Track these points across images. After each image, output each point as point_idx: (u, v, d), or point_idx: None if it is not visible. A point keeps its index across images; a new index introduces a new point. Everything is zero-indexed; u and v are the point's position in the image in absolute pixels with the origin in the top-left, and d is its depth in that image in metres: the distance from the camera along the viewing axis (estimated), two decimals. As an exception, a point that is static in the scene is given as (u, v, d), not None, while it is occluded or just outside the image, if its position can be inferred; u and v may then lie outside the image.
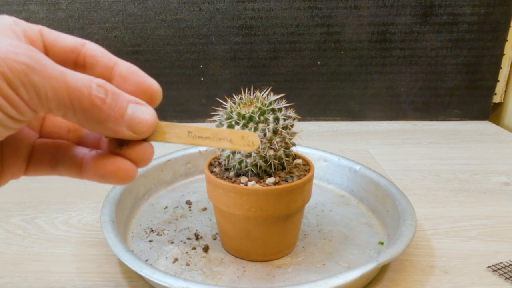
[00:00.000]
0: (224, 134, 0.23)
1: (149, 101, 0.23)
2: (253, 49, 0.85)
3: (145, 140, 0.23)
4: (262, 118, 0.39)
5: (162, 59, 0.86)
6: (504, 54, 0.85)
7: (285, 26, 0.83)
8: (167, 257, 0.43)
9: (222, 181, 0.39)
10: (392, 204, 0.47)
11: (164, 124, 0.23)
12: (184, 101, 0.89)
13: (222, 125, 0.41)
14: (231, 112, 0.40)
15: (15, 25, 0.21)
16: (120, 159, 0.23)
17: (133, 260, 0.36)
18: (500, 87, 0.89)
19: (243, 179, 0.40)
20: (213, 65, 0.87)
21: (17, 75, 0.18)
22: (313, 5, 0.82)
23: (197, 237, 0.46)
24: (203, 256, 0.43)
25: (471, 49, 0.85)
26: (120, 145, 0.23)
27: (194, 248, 0.44)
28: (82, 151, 0.25)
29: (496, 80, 0.88)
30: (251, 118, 0.39)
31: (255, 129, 0.39)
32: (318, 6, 0.82)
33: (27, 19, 0.82)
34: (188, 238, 0.46)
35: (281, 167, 0.42)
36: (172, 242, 0.45)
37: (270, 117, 0.39)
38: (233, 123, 0.40)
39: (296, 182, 0.39)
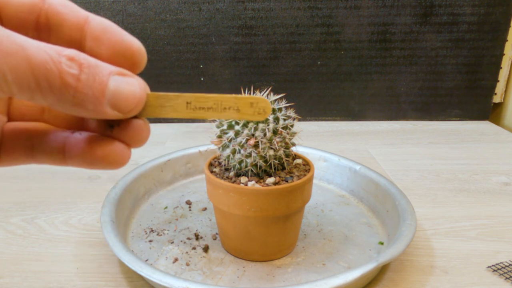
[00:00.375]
0: (230, 102, 0.20)
1: (131, 66, 0.19)
2: (253, 49, 0.85)
3: (136, 117, 0.20)
4: (262, 118, 0.39)
5: (162, 59, 0.86)
6: (504, 54, 0.85)
7: (285, 26, 0.83)
8: (167, 257, 0.43)
9: (222, 181, 0.39)
10: (392, 204, 0.47)
11: (156, 95, 0.19)
12: (184, 101, 0.89)
13: (222, 125, 0.41)
14: (231, 112, 0.40)
15: None
16: (111, 141, 0.19)
17: (133, 260, 0.36)
18: (500, 87, 0.89)
19: (243, 179, 0.40)
20: (213, 65, 0.87)
21: None
22: (313, 5, 0.82)
23: (197, 237, 0.46)
24: (203, 256, 0.43)
25: (471, 49, 0.85)
26: (110, 126, 0.19)
27: (194, 248, 0.44)
28: (63, 134, 0.21)
29: (496, 80, 0.88)
30: (251, 118, 0.39)
31: (255, 129, 0.39)
32: (318, 6, 0.82)
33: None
34: (188, 238, 0.46)
35: (281, 167, 0.42)
36: (172, 242, 0.45)
37: (270, 117, 0.39)
38: (233, 122, 0.40)
39: (296, 182, 0.39)
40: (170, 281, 0.33)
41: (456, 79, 0.87)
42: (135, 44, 0.19)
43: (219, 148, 0.41)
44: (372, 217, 0.51)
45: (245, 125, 0.39)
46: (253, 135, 0.39)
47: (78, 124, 0.22)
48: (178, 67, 0.87)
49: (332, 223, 0.50)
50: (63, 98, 0.16)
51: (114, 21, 0.96)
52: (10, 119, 0.22)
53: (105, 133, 0.20)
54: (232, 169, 0.41)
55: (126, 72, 0.18)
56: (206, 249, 0.44)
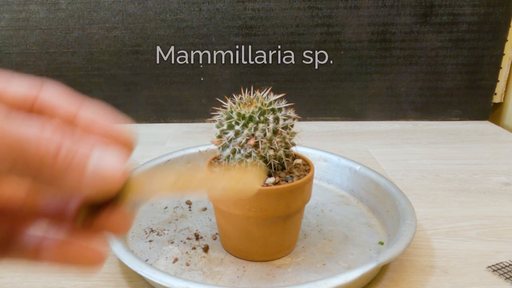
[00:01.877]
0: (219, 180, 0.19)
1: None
2: (253, 49, 0.85)
3: (119, 200, 0.19)
4: (262, 118, 0.39)
5: (162, 59, 0.86)
6: (504, 54, 0.85)
7: (285, 26, 0.83)
8: (167, 257, 0.43)
9: (222, 181, 0.39)
10: (392, 204, 0.47)
11: (139, 181, 0.19)
12: (184, 101, 0.89)
13: (222, 125, 0.41)
14: (231, 112, 0.40)
15: None
16: (86, 243, 0.19)
17: (133, 260, 0.36)
18: (500, 87, 0.89)
19: (243, 179, 0.40)
20: (213, 65, 0.87)
21: None
22: (313, 5, 0.82)
23: (197, 237, 0.46)
24: (203, 256, 0.43)
25: (471, 49, 0.85)
26: (92, 210, 0.19)
27: (194, 248, 0.44)
28: (37, 235, 0.20)
29: (496, 80, 0.88)
30: (251, 118, 0.39)
31: (255, 129, 0.39)
32: (318, 6, 0.82)
33: (27, 19, 0.82)
34: (188, 238, 0.46)
35: (281, 167, 0.42)
36: (172, 242, 0.45)
37: (270, 117, 0.39)
38: (233, 123, 0.40)
39: (296, 182, 0.39)
40: (170, 281, 0.33)
41: (456, 79, 0.87)
42: (125, 134, 0.19)
43: (219, 148, 0.41)
44: (372, 217, 0.51)
45: (245, 125, 0.39)
46: (253, 135, 0.39)
47: (60, 209, 0.21)
48: (178, 67, 0.87)
49: (332, 223, 0.49)
50: (40, 176, 0.16)
51: (114, 21, 0.96)
52: None
53: (88, 216, 0.19)
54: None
55: (110, 149, 0.17)
56: (206, 249, 0.44)
